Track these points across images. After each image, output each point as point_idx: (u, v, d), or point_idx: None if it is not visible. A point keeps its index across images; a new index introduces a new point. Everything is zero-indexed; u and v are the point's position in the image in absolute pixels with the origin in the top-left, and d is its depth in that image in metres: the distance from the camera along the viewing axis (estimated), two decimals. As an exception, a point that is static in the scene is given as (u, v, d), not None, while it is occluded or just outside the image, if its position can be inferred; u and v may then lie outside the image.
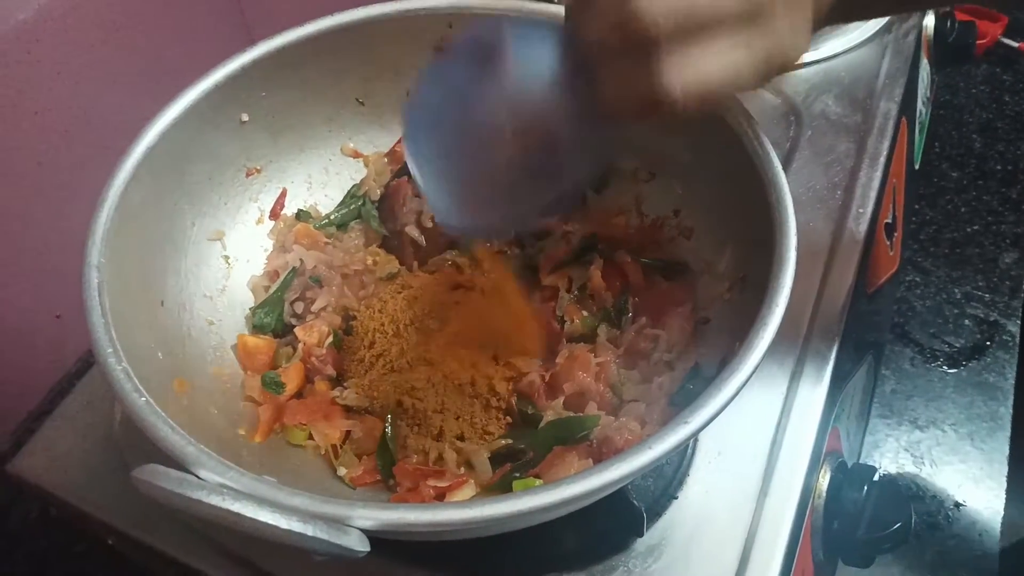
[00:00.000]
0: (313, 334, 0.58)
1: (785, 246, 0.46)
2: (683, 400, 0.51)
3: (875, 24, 0.83)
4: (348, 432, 0.55)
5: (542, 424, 0.53)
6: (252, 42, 0.59)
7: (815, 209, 0.68)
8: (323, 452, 0.54)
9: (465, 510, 0.38)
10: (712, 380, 0.42)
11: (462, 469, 0.52)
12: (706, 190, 0.59)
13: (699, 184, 0.60)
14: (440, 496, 0.50)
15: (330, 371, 0.57)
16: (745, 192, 0.52)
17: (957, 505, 0.76)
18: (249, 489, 0.37)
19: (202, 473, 0.38)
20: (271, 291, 0.61)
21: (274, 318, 0.60)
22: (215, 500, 0.34)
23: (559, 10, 0.60)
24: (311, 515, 0.36)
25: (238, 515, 0.34)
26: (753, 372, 0.42)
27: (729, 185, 0.55)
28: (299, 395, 0.56)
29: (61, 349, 0.81)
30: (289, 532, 0.35)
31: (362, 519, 0.37)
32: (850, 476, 0.59)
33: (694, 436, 0.40)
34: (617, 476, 0.38)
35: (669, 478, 0.54)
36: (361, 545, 0.36)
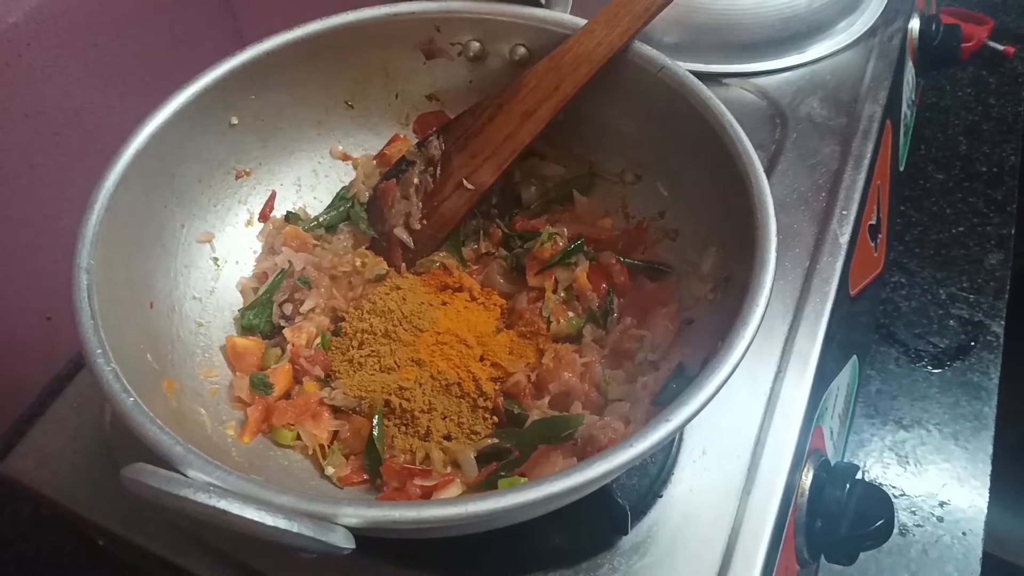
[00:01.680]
0: (302, 335, 0.59)
1: (766, 248, 0.47)
2: (667, 399, 0.51)
3: (860, 27, 0.84)
4: (336, 432, 0.55)
5: (528, 424, 0.54)
6: (243, 45, 0.60)
7: (799, 211, 0.69)
8: (311, 452, 0.54)
9: (449, 507, 0.38)
10: (694, 379, 0.43)
11: (449, 468, 0.53)
12: (691, 192, 0.60)
13: (684, 186, 0.60)
14: (427, 495, 0.50)
15: (318, 372, 0.58)
16: (728, 194, 0.52)
17: (941, 503, 0.77)
18: (236, 488, 0.38)
19: (190, 472, 0.39)
20: (260, 293, 0.61)
21: (263, 320, 0.60)
22: (202, 498, 0.35)
23: (544, 14, 0.61)
24: (297, 513, 0.36)
25: (224, 512, 0.34)
26: (733, 370, 0.43)
27: (713, 188, 0.55)
28: (287, 396, 0.57)
29: (52, 351, 0.81)
30: (275, 529, 0.35)
31: (347, 517, 0.37)
32: (833, 474, 0.59)
33: (675, 434, 0.41)
34: (599, 473, 0.39)
35: (654, 477, 0.55)
36: (346, 542, 0.37)
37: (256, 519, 0.35)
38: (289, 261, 0.62)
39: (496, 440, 0.54)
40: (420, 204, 0.65)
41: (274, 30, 0.61)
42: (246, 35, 0.96)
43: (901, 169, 0.96)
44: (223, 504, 0.35)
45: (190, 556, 0.54)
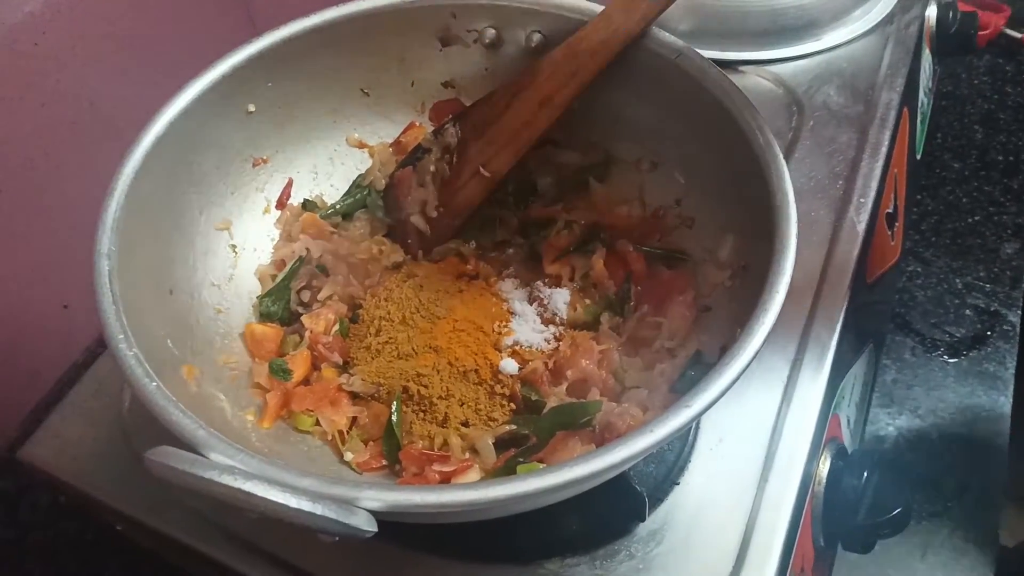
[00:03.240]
0: (320, 322, 0.59)
1: (785, 233, 0.47)
2: (685, 386, 0.51)
3: (877, 15, 0.83)
4: (355, 418, 0.56)
5: (545, 410, 0.54)
6: (256, 33, 0.60)
7: (816, 199, 0.69)
8: (330, 438, 0.55)
9: (470, 492, 0.38)
10: (713, 366, 0.43)
11: (467, 454, 0.53)
12: (708, 179, 0.59)
13: (701, 174, 0.60)
14: (445, 480, 0.51)
15: (337, 358, 0.58)
16: (746, 181, 0.52)
17: (958, 494, 0.77)
18: (259, 471, 0.38)
19: (213, 456, 0.39)
20: (278, 280, 0.61)
21: (281, 306, 0.60)
22: (227, 480, 0.35)
23: (561, 0, 0.61)
24: (320, 495, 0.36)
25: (249, 494, 0.35)
26: (754, 358, 0.43)
27: (730, 174, 0.55)
28: (306, 382, 0.57)
29: (69, 339, 0.82)
30: (299, 511, 0.35)
31: (369, 500, 0.37)
32: (850, 463, 0.59)
33: (695, 420, 0.41)
34: (619, 459, 0.39)
35: (671, 464, 0.55)
36: (368, 525, 0.37)
37: (281, 501, 0.35)
38: (307, 248, 0.62)
39: (514, 426, 0.54)
40: (436, 192, 0.65)
41: (287, 18, 0.61)
42: (259, 23, 0.96)
43: (918, 157, 0.95)
44: (248, 486, 0.35)
45: (209, 542, 0.55)
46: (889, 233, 0.77)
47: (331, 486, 0.37)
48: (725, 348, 0.45)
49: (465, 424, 0.55)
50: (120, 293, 0.46)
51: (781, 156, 0.51)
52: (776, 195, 0.49)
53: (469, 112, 0.64)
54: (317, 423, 0.55)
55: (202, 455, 0.39)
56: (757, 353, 0.43)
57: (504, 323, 0.59)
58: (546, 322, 0.60)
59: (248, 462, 0.38)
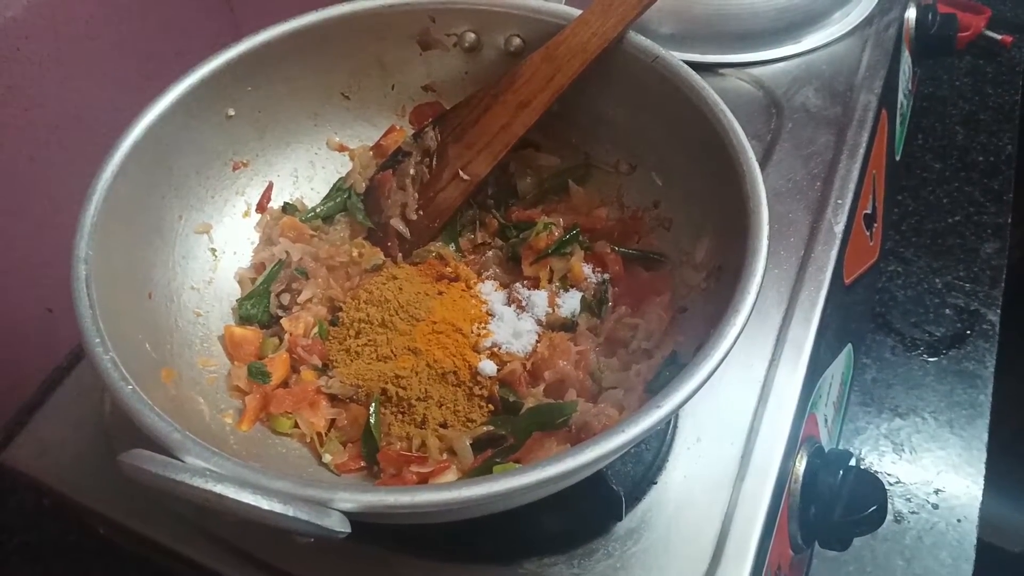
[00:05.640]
0: (299, 325, 0.59)
1: (757, 235, 0.47)
2: (660, 387, 0.51)
3: (856, 17, 0.84)
4: (333, 420, 0.56)
5: (523, 411, 0.54)
6: (240, 37, 0.60)
7: (795, 200, 0.69)
8: (309, 440, 0.55)
9: (444, 492, 0.39)
10: (686, 366, 0.43)
11: (444, 455, 0.54)
12: (685, 182, 0.60)
13: (678, 176, 0.61)
14: (423, 481, 0.51)
15: (316, 361, 0.58)
16: (722, 184, 0.53)
17: (936, 491, 0.78)
18: (232, 473, 0.38)
19: (187, 459, 0.39)
20: (257, 283, 0.61)
21: (260, 309, 0.61)
22: (198, 482, 0.35)
23: (539, 4, 0.61)
24: (293, 497, 0.37)
25: (221, 497, 0.35)
26: (724, 357, 0.43)
27: (706, 177, 0.56)
28: (285, 384, 0.57)
29: (52, 342, 0.82)
30: (271, 513, 0.35)
31: (343, 502, 0.38)
32: (827, 461, 0.60)
33: (666, 419, 0.41)
34: (591, 458, 0.39)
35: (648, 463, 0.56)
36: (342, 527, 0.37)
37: (252, 503, 0.35)
38: (286, 252, 0.62)
39: (491, 427, 0.54)
40: (416, 194, 0.65)
41: (271, 22, 0.61)
42: (244, 27, 0.96)
43: (898, 158, 0.96)
44: (219, 488, 0.35)
45: (192, 544, 0.55)
46: (867, 234, 0.78)
47: (304, 488, 0.37)
48: (700, 348, 0.46)
49: (443, 425, 0.55)
50: (98, 297, 0.47)
51: (755, 159, 0.51)
52: (749, 198, 0.49)
53: (449, 115, 0.65)
54: (296, 425, 0.55)
55: (177, 458, 0.39)
56: (728, 353, 0.43)
57: (483, 325, 0.59)
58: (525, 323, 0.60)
59: (222, 464, 0.39)
